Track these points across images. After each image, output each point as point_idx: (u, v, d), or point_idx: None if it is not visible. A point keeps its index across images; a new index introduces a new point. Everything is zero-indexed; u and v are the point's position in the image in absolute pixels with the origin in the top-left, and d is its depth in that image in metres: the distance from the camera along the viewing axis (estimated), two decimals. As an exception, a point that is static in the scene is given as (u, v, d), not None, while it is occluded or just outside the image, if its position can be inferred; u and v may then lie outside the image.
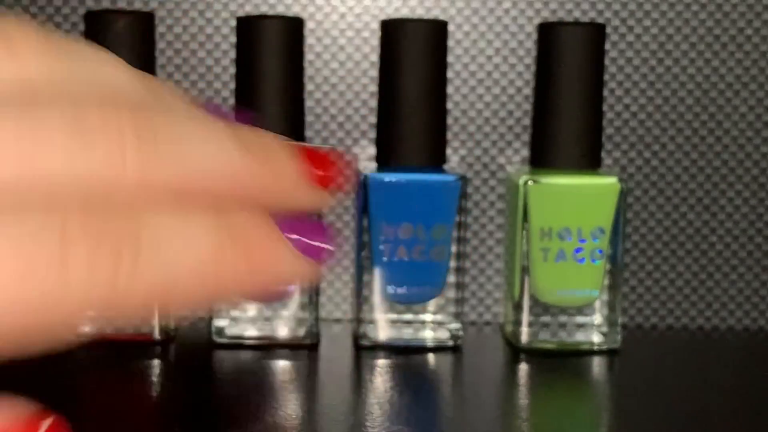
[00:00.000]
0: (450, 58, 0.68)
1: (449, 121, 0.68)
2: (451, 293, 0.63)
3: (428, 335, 0.63)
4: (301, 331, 0.63)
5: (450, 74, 0.68)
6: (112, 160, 0.21)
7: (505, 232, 0.68)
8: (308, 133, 0.68)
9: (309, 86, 0.68)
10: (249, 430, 0.50)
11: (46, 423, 0.21)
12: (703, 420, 0.53)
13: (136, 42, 0.62)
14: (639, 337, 0.68)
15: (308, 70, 0.68)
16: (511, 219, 0.65)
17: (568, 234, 0.62)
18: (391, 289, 0.62)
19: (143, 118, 0.21)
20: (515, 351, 0.63)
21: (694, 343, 0.67)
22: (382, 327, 0.63)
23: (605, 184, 0.63)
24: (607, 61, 0.67)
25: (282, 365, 0.61)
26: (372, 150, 0.67)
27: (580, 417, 0.56)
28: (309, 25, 0.68)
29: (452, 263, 0.63)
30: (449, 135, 0.68)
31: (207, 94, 0.68)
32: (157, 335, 0.62)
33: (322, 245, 0.24)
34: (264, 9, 0.68)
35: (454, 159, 0.69)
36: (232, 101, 0.67)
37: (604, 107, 0.68)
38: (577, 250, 0.62)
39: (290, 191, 0.24)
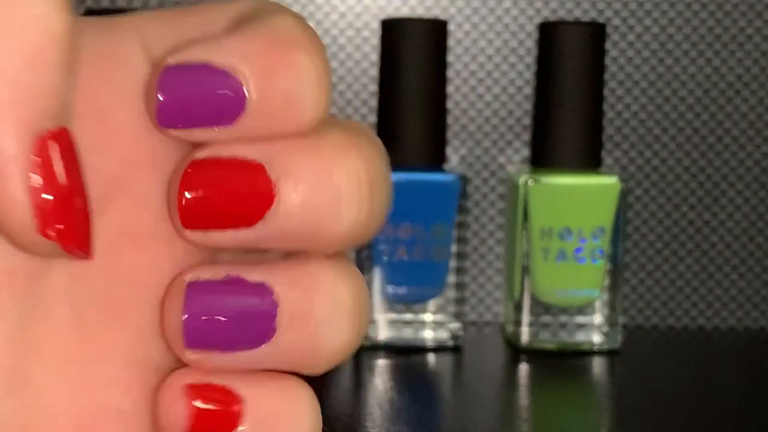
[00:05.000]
0: (450, 58, 0.68)
1: (449, 120, 0.68)
2: (451, 293, 0.63)
3: (428, 335, 0.63)
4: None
5: (450, 74, 0.68)
6: None
7: (505, 232, 0.68)
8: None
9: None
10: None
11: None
12: (703, 420, 0.53)
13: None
14: (639, 337, 0.67)
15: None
16: (511, 219, 0.64)
17: (569, 234, 0.62)
18: (391, 289, 0.62)
19: None
20: (515, 351, 0.63)
21: (694, 343, 0.67)
22: (382, 327, 0.63)
23: (606, 183, 0.63)
24: (607, 61, 0.67)
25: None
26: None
27: (581, 417, 0.56)
28: (309, 24, 0.68)
29: (452, 263, 0.63)
30: (449, 134, 0.68)
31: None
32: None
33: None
34: (264, 8, 0.68)
35: (454, 159, 0.69)
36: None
37: (605, 107, 0.68)
38: (578, 250, 0.62)
39: None
